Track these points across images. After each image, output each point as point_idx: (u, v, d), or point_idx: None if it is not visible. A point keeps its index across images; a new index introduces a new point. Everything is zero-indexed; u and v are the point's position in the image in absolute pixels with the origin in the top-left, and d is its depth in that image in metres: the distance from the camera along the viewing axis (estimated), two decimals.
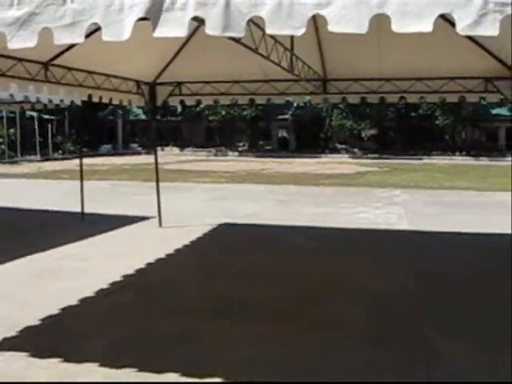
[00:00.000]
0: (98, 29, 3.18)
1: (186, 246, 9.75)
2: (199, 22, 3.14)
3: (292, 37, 6.19)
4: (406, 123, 51.21)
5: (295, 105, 49.66)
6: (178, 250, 9.36)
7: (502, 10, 2.97)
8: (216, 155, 50.19)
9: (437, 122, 49.04)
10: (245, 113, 50.87)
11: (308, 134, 52.73)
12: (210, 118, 54.47)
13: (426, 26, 2.95)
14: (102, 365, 4.61)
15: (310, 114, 52.30)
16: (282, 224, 12.12)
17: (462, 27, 2.93)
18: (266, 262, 8.68)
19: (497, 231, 11.03)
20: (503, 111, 47.68)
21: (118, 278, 7.46)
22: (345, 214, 13.89)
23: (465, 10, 2.94)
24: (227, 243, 10.26)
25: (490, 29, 2.95)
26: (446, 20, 3.39)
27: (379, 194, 18.82)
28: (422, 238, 10.78)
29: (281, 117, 53.42)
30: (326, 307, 6.41)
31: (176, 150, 54.06)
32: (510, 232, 10.29)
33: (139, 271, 7.93)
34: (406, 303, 6.67)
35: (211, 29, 3.09)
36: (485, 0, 2.95)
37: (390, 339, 5.43)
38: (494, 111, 48.86)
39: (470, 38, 8.30)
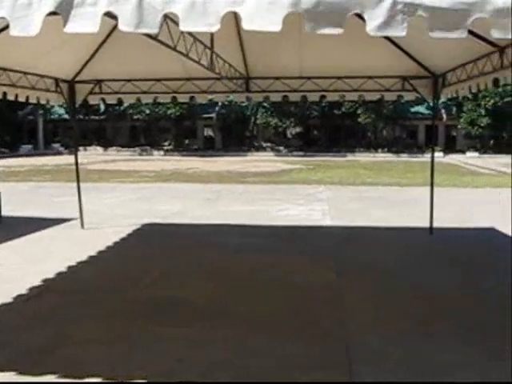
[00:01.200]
0: None
1: (109, 247, 9.56)
2: (112, 17, 3.09)
3: (212, 35, 6.17)
4: (329, 121, 52.20)
5: (220, 104, 49.70)
6: (100, 252, 9.16)
7: (410, 10, 3.07)
8: (141, 155, 49.55)
9: (359, 119, 50.18)
10: (169, 112, 50.42)
11: (233, 132, 52.94)
12: (135, 117, 53.76)
13: (338, 28, 3.00)
14: (21, 373, 4.47)
15: (235, 113, 52.42)
16: (207, 223, 12.10)
17: (371, 28, 3.00)
18: (191, 261, 8.63)
19: (416, 225, 11.40)
20: (422, 109, 49.30)
21: (37, 283, 7.22)
22: (270, 211, 14.00)
23: (375, 11, 3.01)
24: (152, 243, 10.14)
25: (398, 29, 3.04)
26: (364, 20, 3.48)
27: (304, 190, 19.08)
28: (344, 233, 11.00)
29: (206, 115, 53.35)
30: (251, 304, 6.42)
31: (100, 149, 53.02)
32: (428, 225, 10.67)
33: (60, 275, 7.71)
34: (328, 297, 6.77)
35: (124, 25, 3.05)
36: (394, 1, 3.03)
37: (314, 333, 5.50)
38: (414, 109, 50.51)
39: (388, 38, 8.55)
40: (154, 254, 9.20)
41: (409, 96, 11.07)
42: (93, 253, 9.02)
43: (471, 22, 3.13)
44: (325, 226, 11.81)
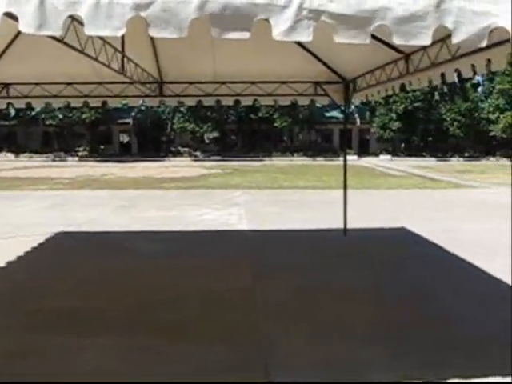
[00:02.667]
0: None
1: (19, 257, 9.20)
2: (13, 18, 2.97)
3: (123, 38, 6.06)
4: (246, 126, 52.58)
5: (136, 108, 49.01)
6: (10, 263, 8.81)
7: (315, 16, 3.12)
8: (54, 161, 48.14)
9: (276, 124, 50.78)
10: (84, 116, 49.28)
11: (150, 137, 52.31)
12: (47, 122, 52.16)
13: (244, 33, 3.02)
14: None
15: (151, 118, 51.84)
16: (123, 230, 11.88)
17: (277, 33, 3.03)
18: (106, 270, 8.44)
19: (331, 226, 11.63)
20: (337, 113, 50.47)
21: None
22: (187, 216, 13.92)
23: (280, 17, 3.05)
24: (64, 252, 9.85)
25: (304, 34, 3.08)
26: None
27: (221, 195, 19.10)
28: (260, 237, 11.09)
29: (122, 120, 52.47)
30: (167, 311, 6.35)
31: (11, 156, 51.12)
32: (342, 227, 10.92)
33: None
34: (244, 301, 6.79)
35: (25, 26, 2.93)
36: (299, 7, 3.07)
37: (231, 337, 5.50)
38: (329, 114, 51.59)
39: (300, 44, 8.69)
40: (67, 263, 8.93)
41: (322, 101, 11.30)
42: (1, 263, 8.67)
43: (374, 29, 3.23)
44: (241, 230, 11.85)
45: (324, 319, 6.11)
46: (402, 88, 8.30)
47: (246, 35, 3.02)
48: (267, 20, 3.06)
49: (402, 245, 10.51)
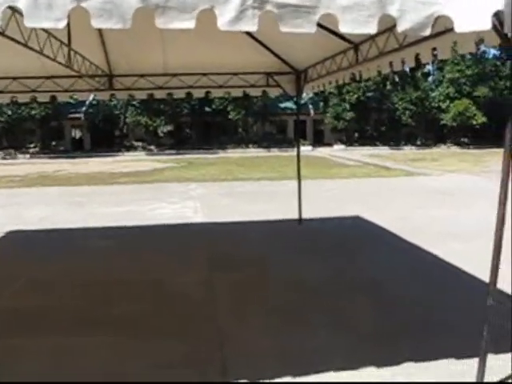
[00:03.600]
0: None
1: None
2: None
3: (69, 30, 5.93)
4: (200, 118, 52.28)
5: (88, 103, 48.19)
6: None
7: (260, 6, 3.11)
8: (4, 158, 46.96)
9: (230, 116, 50.65)
10: (34, 112, 48.19)
11: (103, 132, 51.49)
12: None
13: (189, 22, 2.99)
14: None
15: (103, 112, 51.04)
16: (76, 227, 11.68)
17: (222, 22, 3.01)
18: (59, 268, 8.28)
19: (286, 216, 11.68)
20: (291, 104, 50.62)
21: None
22: (142, 211, 13.78)
23: (225, 6, 3.03)
24: (17, 252, 9.62)
25: (249, 24, 3.07)
26: None
27: (176, 189, 18.98)
28: (216, 229, 11.07)
29: (73, 115, 51.45)
30: (122, 307, 6.27)
31: None
32: (297, 217, 10.98)
33: None
34: (201, 294, 6.77)
35: None
36: None
37: (187, 331, 5.48)
38: (283, 105, 51.67)
39: (250, 35, 8.67)
40: (20, 262, 8.73)
41: (274, 92, 11.31)
42: None
43: (319, 18, 3.24)
44: (197, 223, 11.80)
45: (280, 309, 6.13)
46: (353, 78, 8.37)
47: (190, 25, 2.99)
48: (212, 10, 3.05)
49: (356, 233, 10.63)
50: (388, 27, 5.25)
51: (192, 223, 11.83)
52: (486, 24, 3.36)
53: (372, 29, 3.25)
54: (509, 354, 4.78)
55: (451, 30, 3.50)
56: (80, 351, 5.01)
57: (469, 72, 50.10)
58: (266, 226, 11.33)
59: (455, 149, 48.75)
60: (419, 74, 52.70)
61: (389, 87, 52.04)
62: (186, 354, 4.90)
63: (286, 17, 3.15)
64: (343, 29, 3.27)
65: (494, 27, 3.51)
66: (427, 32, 3.42)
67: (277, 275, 7.59)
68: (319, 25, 5.02)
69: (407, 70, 50.66)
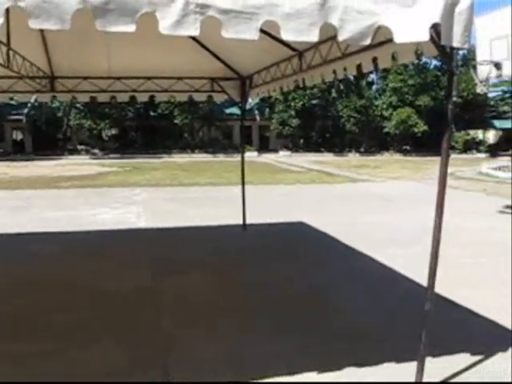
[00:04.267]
0: None
1: None
2: None
3: (8, 29, 5.77)
4: (145, 122, 51.79)
5: (30, 104, 47.10)
6: None
7: (202, 11, 3.11)
8: None
9: (176, 121, 50.38)
10: None
11: (45, 135, 50.34)
12: None
13: (129, 26, 2.96)
14: None
15: (46, 115, 49.93)
16: (16, 231, 11.36)
17: (164, 26, 3.00)
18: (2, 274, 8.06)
19: (231, 222, 11.67)
20: (236, 110, 50.64)
21: None
22: (85, 215, 13.53)
23: (167, 10, 3.02)
24: None
25: (191, 29, 3.07)
26: None
27: (120, 193, 18.71)
28: (159, 235, 10.96)
29: (14, 117, 50.15)
30: (64, 313, 6.13)
31: None
32: (241, 222, 10.99)
33: None
34: (144, 299, 6.69)
35: None
36: (186, 1, 3.05)
37: (129, 337, 5.40)
38: (229, 110, 51.67)
39: (195, 39, 8.65)
40: None
41: (219, 97, 11.29)
42: None
43: (262, 25, 3.26)
44: (140, 229, 11.66)
45: (224, 314, 6.13)
46: (297, 85, 8.44)
47: (130, 28, 2.97)
48: (153, 14, 3.03)
49: (300, 238, 10.72)
50: (331, 36, 5.32)
51: (135, 228, 11.68)
52: (424, 35, 3.46)
53: (313, 37, 3.30)
54: (446, 357, 4.92)
55: (391, 40, 3.58)
56: (17, 360, 4.87)
57: (411, 82, 51.36)
58: (210, 232, 11.29)
59: (398, 156, 49.80)
60: (363, 83, 53.66)
61: (334, 95, 52.79)
62: (128, 360, 4.83)
63: (228, 23, 3.16)
64: (285, 36, 3.30)
65: (432, 39, 3.61)
66: (367, 42, 3.49)
67: (220, 280, 7.58)
68: (264, 31, 5.08)
69: (352, 78, 51.61)
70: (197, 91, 10.71)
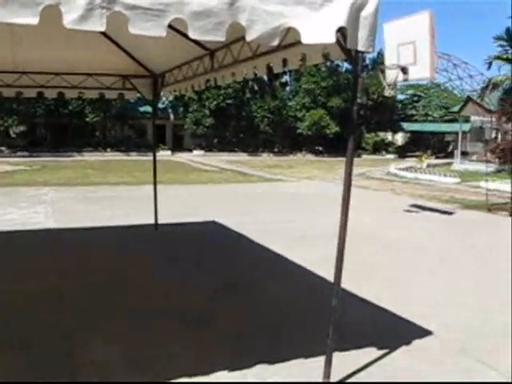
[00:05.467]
0: None
1: None
2: None
3: None
4: (56, 120, 50.19)
5: None
6: None
7: (108, 6, 3.05)
8: None
9: (87, 119, 49.18)
10: None
11: None
12: None
13: (32, 18, 2.86)
14: None
15: None
16: None
17: (68, 21, 2.92)
18: None
19: (142, 222, 11.50)
20: (150, 108, 49.92)
21: None
22: None
23: (72, 5, 2.94)
24: None
25: (97, 24, 3.01)
26: None
27: (27, 193, 18.03)
28: (68, 235, 10.65)
29: None
30: None
31: None
32: (153, 222, 10.87)
33: None
34: (52, 303, 6.48)
35: None
36: None
37: (34, 341, 5.21)
38: (142, 108, 50.94)
39: (105, 35, 8.46)
40: None
41: (130, 95, 11.11)
42: None
43: (170, 22, 3.23)
44: (47, 229, 11.28)
45: (133, 316, 6.03)
46: (209, 84, 8.43)
47: (33, 21, 2.87)
48: (57, 7, 2.94)
49: (211, 237, 10.72)
50: (242, 36, 5.34)
51: (42, 229, 11.29)
52: (330, 38, 3.54)
53: (220, 36, 3.30)
54: (354, 351, 5.06)
55: (300, 42, 3.64)
56: None
57: (324, 84, 52.46)
58: (121, 232, 11.08)
59: (310, 156, 50.73)
60: (277, 84, 54.31)
61: (248, 95, 53.12)
62: (34, 365, 4.67)
63: (135, 19, 3.12)
64: (193, 35, 3.30)
65: (338, 42, 3.70)
66: (275, 42, 3.53)
67: (129, 281, 7.47)
68: (176, 29, 5.05)
69: (266, 79, 52.16)
70: (108, 88, 10.49)
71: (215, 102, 50.58)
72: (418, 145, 55.34)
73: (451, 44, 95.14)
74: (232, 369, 4.64)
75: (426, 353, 5.20)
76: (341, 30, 3.63)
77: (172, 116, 53.29)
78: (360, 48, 3.72)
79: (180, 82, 8.97)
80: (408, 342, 5.38)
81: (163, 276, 7.74)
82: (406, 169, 30.37)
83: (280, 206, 15.73)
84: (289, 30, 3.67)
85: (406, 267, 8.72)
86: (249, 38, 3.42)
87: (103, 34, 8.11)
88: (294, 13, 3.55)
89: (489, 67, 30.91)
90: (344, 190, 4.13)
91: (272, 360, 4.82)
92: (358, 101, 3.90)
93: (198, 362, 4.82)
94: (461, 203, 17.16)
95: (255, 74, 6.37)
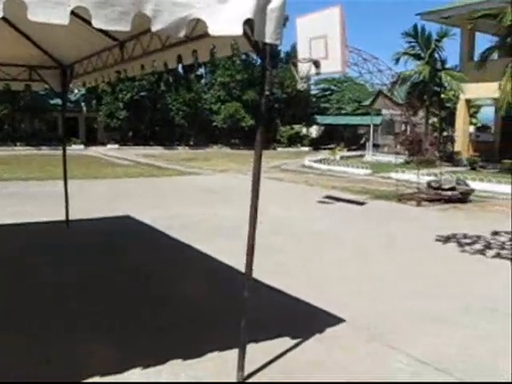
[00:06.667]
0: None
1: None
2: None
3: None
4: None
5: None
6: None
7: None
8: None
9: None
10: None
11: None
12: None
13: None
14: None
15: None
16: None
17: None
18: None
19: (53, 218, 11.14)
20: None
21: None
22: None
23: None
24: None
25: None
26: None
27: None
28: None
29: None
30: None
31: None
32: (64, 218, 10.56)
33: None
34: None
35: None
36: None
37: None
38: (54, 101, 49.35)
39: (10, 23, 8.11)
40: None
41: (38, 86, 10.71)
42: None
43: (72, 10, 3.13)
44: None
45: (42, 316, 5.86)
46: (119, 76, 8.25)
47: None
48: None
49: (125, 232, 10.55)
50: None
51: None
52: (237, 30, 3.53)
53: (125, 26, 3.24)
54: (269, 342, 5.11)
55: (208, 34, 3.62)
56: None
57: (239, 77, 52.55)
58: (30, 229, 10.68)
59: (226, 149, 50.74)
60: (192, 77, 53.97)
61: (163, 88, 52.49)
62: None
63: (35, 5, 3.01)
64: (96, 24, 3.21)
65: (245, 34, 3.70)
66: (182, 33, 3.49)
67: (41, 280, 7.23)
68: (83, 19, 4.89)
69: (181, 71, 51.74)
70: (14, 80, 10.06)
71: (129, 95, 49.65)
72: (331, 137, 56.41)
73: (361, 39, 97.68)
74: (146, 366, 4.58)
75: (338, 340, 5.32)
76: (248, 22, 3.63)
77: (85, 109, 51.95)
78: (267, 40, 3.74)
79: (90, 73, 8.73)
80: (321, 331, 5.49)
81: (73, 274, 7.54)
82: (320, 161, 30.95)
83: (195, 199, 15.66)
84: (198, 21, 3.64)
85: (319, 257, 8.89)
86: (154, 28, 3.36)
87: (6, 21, 7.75)
88: (202, 4, 3.52)
89: (396, 62, 32.02)
90: (253, 183, 4.14)
91: (187, 355, 4.79)
92: (266, 93, 3.92)
93: (109, 360, 4.72)
94: (372, 194, 17.67)
95: (166, 66, 6.28)
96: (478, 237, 10.51)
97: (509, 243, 10.08)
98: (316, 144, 54.53)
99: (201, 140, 53.61)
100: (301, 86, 13.70)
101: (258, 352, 4.80)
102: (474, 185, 18.08)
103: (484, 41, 44.81)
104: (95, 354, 4.85)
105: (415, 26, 31.53)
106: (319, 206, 15.03)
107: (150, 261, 8.36)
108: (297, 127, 56.27)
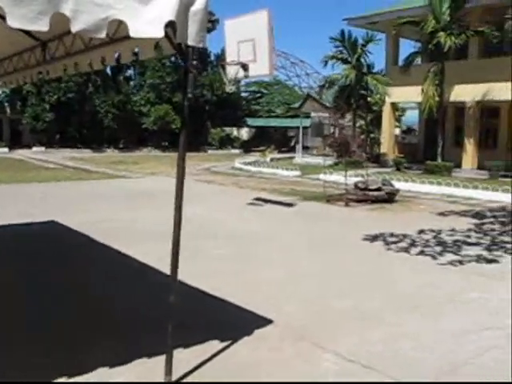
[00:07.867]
0: None
1: None
2: None
3: None
4: None
5: None
6: None
7: None
8: None
9: None
10: None
11: None
12: None
13: None
14: None
15: None
16: None
17: None
18: None
19: None
20: None
21: None
22: None
23: None
24: None
25: None
26: None
27: None
28: None
29: None
30: None
31: None
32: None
33: None
34: None
35: None
36: None
37: None
38: None
39: None
40: None
41: None
42: None
43: None
44: None
45: None
46: (41, 77, 8.03)
47: None
48: None
49: (50, 238, 10.29)
50: None
51: None
52: (158, 32, 3.51)
53: (43, 26, 3.16)
54: (198, 346, 5.09)
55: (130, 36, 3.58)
56: None
57: (169, 79, 52.12)
58: None
59: (156, 152, 50.26)
60: (121, 78, 53.20)
61: (91, 89, 51.48)
62: None
63: None
64: (12, 23, 3.14)
65: (167, 36, 3.68)
66: (102, 34, 3.44)
67: None
68: (3, 17, 4.73)
69: (109, 73, 50.90)
70: None
71: (56, 96, 48.44)
72: (262, 140, 56.71)
73: (288, 43, 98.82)
74: (72, 374, 4.48)
75: (266, 341, 5.36)
76: (170, 25, 3.61)
77: (9, 110, 50.34)
78: (190, 43, 3.73)
79: (10, 73, 8.46)
80: (250, 333, 5.51)
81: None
82: (250, 163, 31.09)
83: (123, 203, 15.43)
84: (120, 23, 3.59)
85: (247, 259, 8.93)
86: (73, 28, 3.30)
87: None
88: (123, 5, 3.48)
89: (325, 65, 32.59)
90: (177, 186, 4.13)
91: (115, 362, 4.71)
92: (189, 96, 3.91)
93: (31, 369, 4.59)
94: (301, 195, 17.89)
95: (91, 67, 6.16)
96: (404, 235, 10.82)
97: (433, 240, 10.46)
98: (247, 146, 54.71)
99: (130, 143, 52.85)
100: (229, 88, 13.74)
101: (186, 356, 4.79)
102: (399, 185, 18.62)
103: (408, 46, 46.29)
104: (21, 361, 4.71)
105: (342, 31, 32.16)
106: (249, 207, 15.09)
107: (73, 266, 8.18)
108: (228, 129, 56.33)
